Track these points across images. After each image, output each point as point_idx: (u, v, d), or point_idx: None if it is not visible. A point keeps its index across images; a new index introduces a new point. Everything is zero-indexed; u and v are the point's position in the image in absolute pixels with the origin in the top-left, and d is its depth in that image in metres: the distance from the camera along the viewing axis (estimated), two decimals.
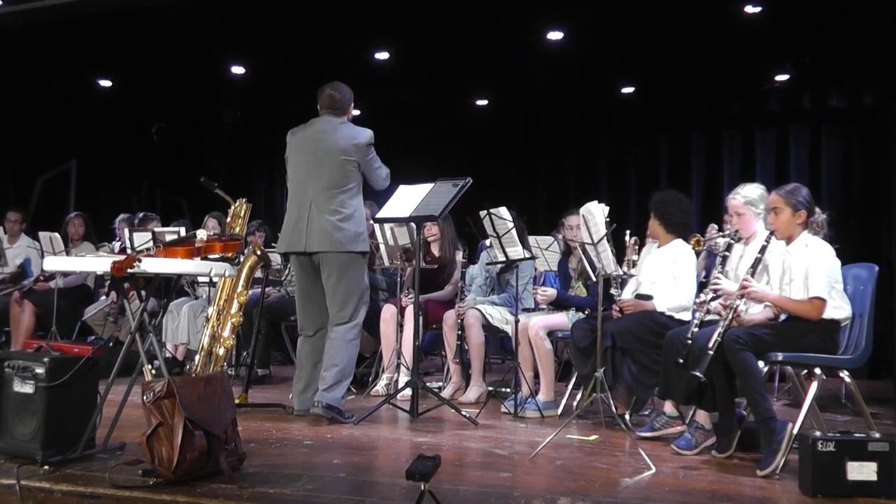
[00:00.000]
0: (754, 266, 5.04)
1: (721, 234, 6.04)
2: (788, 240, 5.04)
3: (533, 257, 7.06)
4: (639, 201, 10.75)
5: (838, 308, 4.91)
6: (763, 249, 5.05)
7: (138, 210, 10.09)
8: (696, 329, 5.06)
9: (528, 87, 11.04)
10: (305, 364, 6.13)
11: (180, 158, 12.57)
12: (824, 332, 4.90)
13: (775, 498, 4.16)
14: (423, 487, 3.50)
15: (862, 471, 4.07)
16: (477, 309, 7.15)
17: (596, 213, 5.49)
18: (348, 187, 5.96)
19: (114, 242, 9.31)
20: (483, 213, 6.59)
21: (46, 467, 4.21)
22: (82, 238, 9.47)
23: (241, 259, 5.20)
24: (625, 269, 5.93)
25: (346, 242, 5.88)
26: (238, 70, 10.63)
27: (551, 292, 6.75)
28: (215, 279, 4.86)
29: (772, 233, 5.07)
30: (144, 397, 4.00)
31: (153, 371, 4.47)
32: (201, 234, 4.66)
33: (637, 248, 6.45)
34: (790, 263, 4.99)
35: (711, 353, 4.78)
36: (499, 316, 7.16)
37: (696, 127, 11.29)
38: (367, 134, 6.03)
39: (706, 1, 8.39)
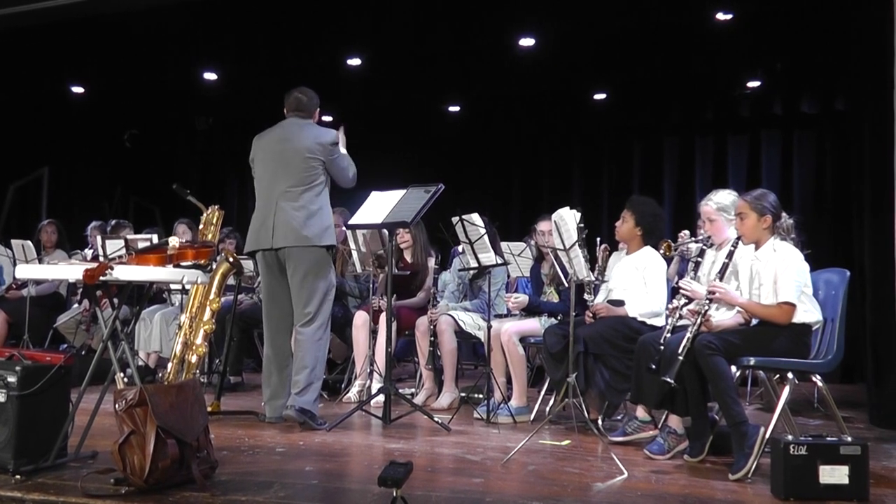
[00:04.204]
0: (722, 271, 5.08)
1: (693, 239, 6.06)
2: (756, 245, 5.08)
3: (505, 263, 7.07)
4: (612, 207, 10.75)
5: (808, 312, 4.94)
6: (730, 254, 5.09)
7: (111, 217, 10.03)
8: (668, 335, 5.10)
9: (501, 93, 11.06)
10: (273, 369, 6.15)
11: (153, 165, 12.53)
12: (795, 335, 4.92)
13: (747, 501, 4.18)
14: (395, 494, 3.51)
15: (834, 474, 4.10)
16: (449, 315, 7.15)
17: (568, 219, 5.50)
18: (314, 184, 5.99)
19: (86, 250, 9.25)
20: (455, 219, 6.60)
21: (18, 476, 4.17)
22: (55, 245, 9.42)
23: (214, 266, 5.18)
24: (595, 275, 5.95)
25: (313, 238, 5.90)
26: (211, 76, 10.62)
27: (523, 299, 6.75)
28: (188, 287, 4.84)
29: (739, 238, 5.10)
30: (116, 405, 3.98)
31: (125, 379, 4.46)
32: (174, 241, 4.65)
33: (607, 254, 6.47)
34: (759, 268, 5.03)
35: (681, 358, 4.81)
36: (471, 322, 7.16)
37: (668, 133, 11.32)
38: (331, 134, 6.09)
39: (678, 8, 8.43)
